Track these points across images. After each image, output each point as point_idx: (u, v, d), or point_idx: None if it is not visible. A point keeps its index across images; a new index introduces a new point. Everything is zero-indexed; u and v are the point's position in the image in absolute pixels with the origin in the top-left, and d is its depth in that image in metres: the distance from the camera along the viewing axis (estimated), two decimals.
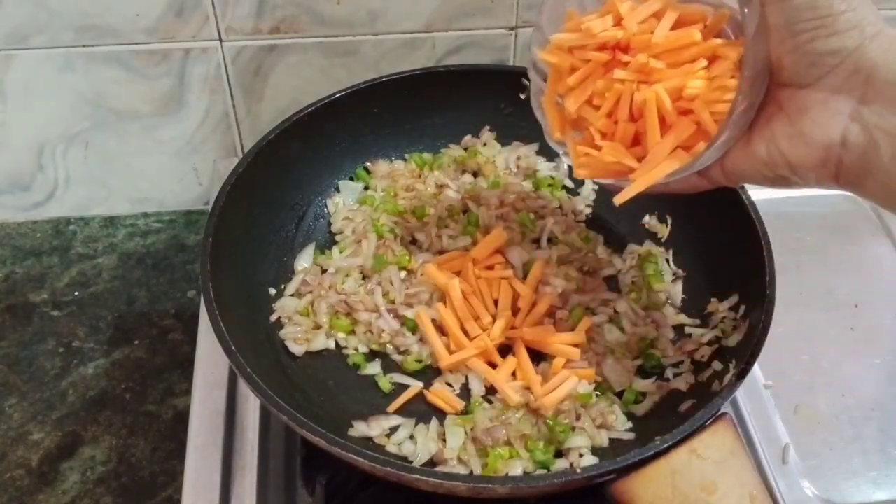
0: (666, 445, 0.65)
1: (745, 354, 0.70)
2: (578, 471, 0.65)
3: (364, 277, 0.88)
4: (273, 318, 0.84)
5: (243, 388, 0.83)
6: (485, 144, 0.99)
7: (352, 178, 0.97)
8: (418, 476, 0.63)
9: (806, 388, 0.85)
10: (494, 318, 0.81)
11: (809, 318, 0.91)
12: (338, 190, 0.96)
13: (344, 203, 0.95)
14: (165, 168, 1.10)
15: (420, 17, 1.00)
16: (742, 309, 0.78)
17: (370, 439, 0.76)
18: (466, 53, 1.04)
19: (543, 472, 0.73)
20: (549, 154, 0.98)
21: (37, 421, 0.91)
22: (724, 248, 0.83)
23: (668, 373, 0.79)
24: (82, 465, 0.88)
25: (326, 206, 0.95)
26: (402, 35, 1.02)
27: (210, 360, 0.84)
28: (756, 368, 0.76)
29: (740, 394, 0.81)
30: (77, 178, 1.09)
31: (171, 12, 0.96)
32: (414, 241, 0.90)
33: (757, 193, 0.81)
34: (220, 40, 0.99)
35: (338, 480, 0.78)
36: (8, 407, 0.92)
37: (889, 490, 0.78)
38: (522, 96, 0.96)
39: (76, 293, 1.03)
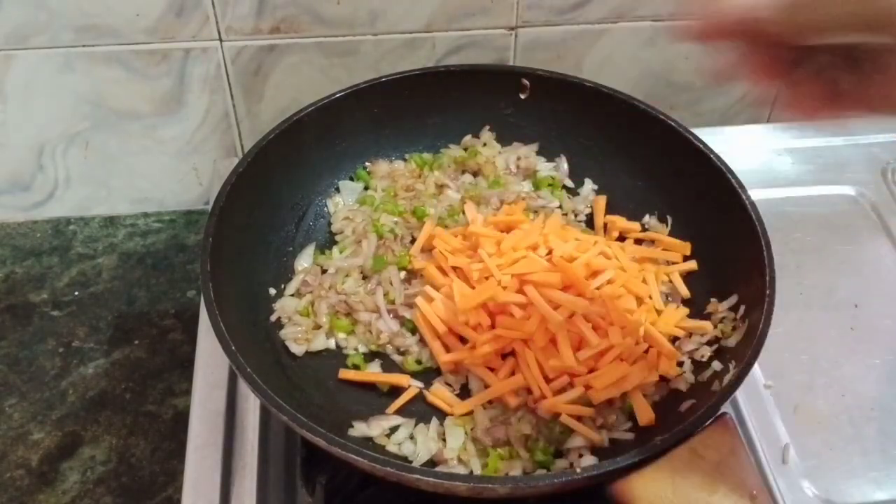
0: (666, 446, 0.65)
1: (744, 355, 0.70)
2: (578, 471, 0.65)
3: (364, 277, 0.88)
4: (273, 317, 0.84)
5: (243, 388, 0.83)
6: (485, 145, 0.99)
7: (352, 178, 0.97)
8: (418, 476, 0.63)
9: (806, 388, 0.85)
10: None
11: (809, 318, 0.91)
12: (338, 190, 0.96)
13: (344, 203, 0.95)
14: (165, 168, 1.10)
15: (420, 17, 1.00)
16: (742, 309, 0.78)
17: (370, 439, 0.76)
18: (466, 53, 1.04)
19: (543, 472, 0.73)
20: (549, 154, 0.98)
21: (37, 421, 0.91)
22: (724, 248, 0.83)
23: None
24: (82, 465, 0.88)
25: (326, 206, 0.95)
26: (402, 35, 1.02)
27: (210, 360, 0.84)
28: (756, 368, 0.76)
29: (740, 394, 0.81)
30: (77, 178, 1.09)
31: (171, 12, 0.96)
32: (414, 241, 0.90)
33: (757, 193, 0.81)
34: (220, 40, 0.99)
35: (338, 480, 0.78)
36: (8, 407, 0.92)
37: (889, 490, 0.78)
38: (523, 96, 0.97)
39: (76, 293, 1.03)
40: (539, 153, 0.98)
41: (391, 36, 1.02)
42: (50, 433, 0.90)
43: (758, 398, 0.82)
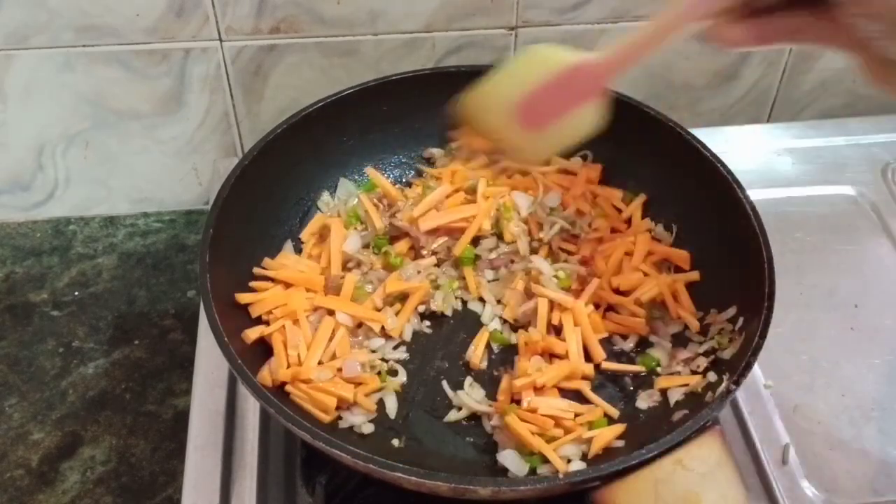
0: (651, 455, 0.64)
1: (737, 368, 0.70)
2: (561, 476, 0.65)
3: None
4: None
5: (243, 388, 0.83)
6: None
7: (355, 181, 0.96)
8: (400, 474, 0.63)
9: (806, 388, 0.85)
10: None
11: (809, 318, 0.91)
12: (334, 188, 0.95)
13: (334, 201, 0.95)
14: (165, 168, 1.10)
15: (420, 17, 1.00)
16: (740, 321, 0.77)
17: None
18: (466, 53, 1.04)
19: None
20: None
21: (37, 421, 0.91)
22: (726, 259, 0.82)
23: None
24: (82, 465, 0.88)
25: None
26: (402, 35, 1.02)
27: (210, 360, 0.84)
28: (756, 368, 0.76)
29: (740, 394, 0.81)
30: (77, 178, 1.09)
31: (171, 12, 0.96)
32: None
33: (757, 193, 0.81)
34: (220, 40, 0.99)
35: (338, 480, 0.78)
36: (8, 407, 0.92)
37: (889, 490, 0.78)
38: None
39: (76, 293, 1.03)
40: None
41: (391, 36, 1.02)
42: (50, 433, 0.90)
43: (758, 398, 0.82)
